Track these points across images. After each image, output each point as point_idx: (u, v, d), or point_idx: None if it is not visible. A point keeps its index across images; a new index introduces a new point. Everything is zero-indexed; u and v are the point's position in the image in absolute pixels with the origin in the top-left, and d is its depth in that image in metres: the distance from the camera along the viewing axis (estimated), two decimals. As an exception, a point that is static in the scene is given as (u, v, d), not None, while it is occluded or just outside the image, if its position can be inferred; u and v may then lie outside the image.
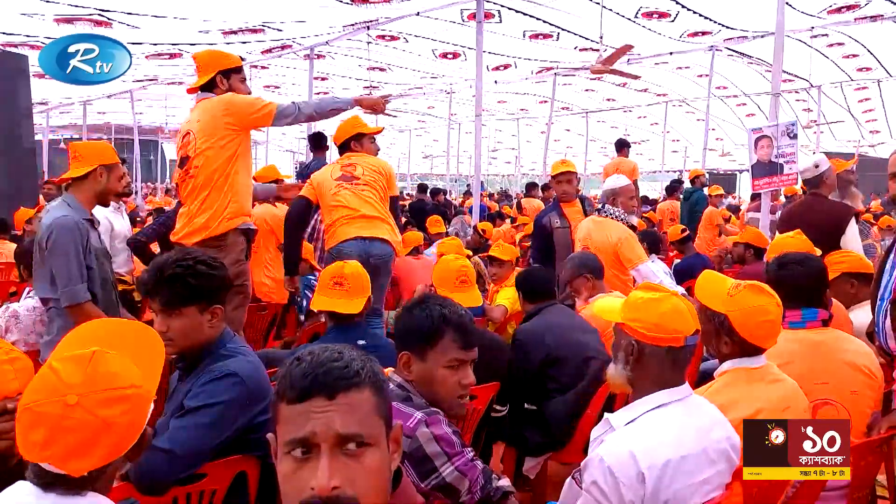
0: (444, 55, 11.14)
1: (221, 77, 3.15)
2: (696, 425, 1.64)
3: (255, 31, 8.97)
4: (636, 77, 9.73)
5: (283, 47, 10.21)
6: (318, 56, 10.41)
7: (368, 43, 9.67)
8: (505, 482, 1.69)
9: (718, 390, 1.90)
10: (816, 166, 4.05)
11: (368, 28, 8.74)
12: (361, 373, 0.96)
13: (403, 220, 9.94)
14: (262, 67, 11.44)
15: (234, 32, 8.98)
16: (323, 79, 12.41)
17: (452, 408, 1.66)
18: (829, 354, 2.17)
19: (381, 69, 11.80)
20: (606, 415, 1.74)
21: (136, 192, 13.82)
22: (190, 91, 3.42)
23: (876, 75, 12.04)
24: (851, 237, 3.73)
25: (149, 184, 19.26)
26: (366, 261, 3.39)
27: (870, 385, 2.16)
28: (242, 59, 3.43)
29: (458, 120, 17.48)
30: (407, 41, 10.16)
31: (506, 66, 11.95)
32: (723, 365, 1.96)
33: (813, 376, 2.09)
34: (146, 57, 10.18)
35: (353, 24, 8.80)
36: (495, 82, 12.92)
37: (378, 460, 0.95)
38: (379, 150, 4.02)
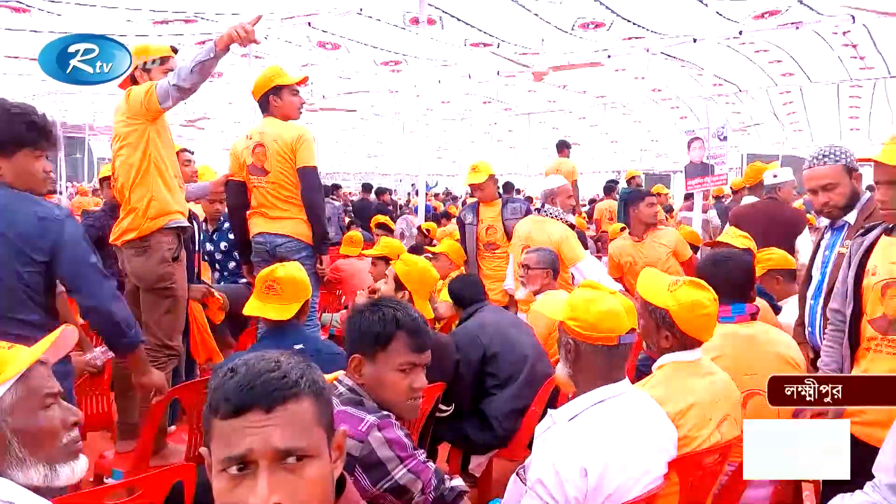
0: (386, 63, 11.07)
1: (141, 72, 3.02)
2: (635, 419, 1.69)
3: (187, 21, 8.64)
4: (599, 64, 9.73)
5: (215, 41, 9.91)
6: (257, 57, 10.15)
7: (310, 50, 9.49)
8: (458, 482, 1.70)
9: (656, 384, 1.95)
10: (775, 176, 4.38)
11: (310, 24, 8.58)
12: (300, 382, 0.92)
13: (347, 219, 9.89)
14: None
15: (165, 23, 8.64)
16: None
17: (404, 411, 1.65)
18: (758, 347, 2.28)
19: (318, 64, 11.55)
20: (550, 411, 1.76)
21: (62, 192, 13.13)
22: (121, 87, 3.28)
23: (798, 80, 12.70)
24: (805, 243, 4.00)
25: (74, 183, 18.31)
26: (272, 251, 3.43)
27: (794, 375, 2.28)
28: (175, 50, 3.22)
29: (402, 119, 17.42)
30: (349, 51, 10.04)
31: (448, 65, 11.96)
32: (660, 359, 2.02)
33: (743, 368, 2.18)
34: None
35: (291, 17, 8.62)
36: (439, 81, 12.94)
37: (319, 471, 0.92)
38: (303, 102, 3.70)
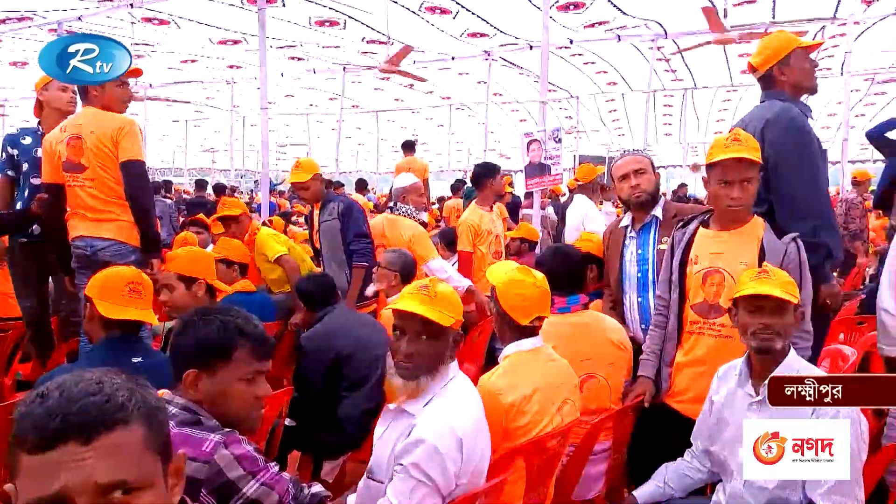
0: (224, 42, 10.42)
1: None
2: (473, 391, 1.83)
3: None
4: (423, 80, 10.08)
5: (20, 19, 8.69)
6: (69, 33, 9.07)
7: (132, 23, 8.67)
8: (318, 488, 1.64)
9: (503, 373, 2.04)
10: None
11: (132, 6, 7.83)
12: (128, 405, 0.80)
13: (182, 219, 9.17)
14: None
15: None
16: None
17: (248, 423, 1.55)
18: (591, 334, 2.45)
19: (144, 55, 10.58)
20: (398, 405, 1.74)
21: None
22: None
23: (620, 89, 14.05)
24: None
25: None
26: (94, 256, 3.08)
27: (622, 357, 2.49)
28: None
29: (241, 112, 16.55)
30: (179, 27, 9.29)
31: (297, 59, 11.53)
32: (505, 349, 2.12)
33: (579, 354, 2.34)
34: None
35: (110, 0, 7.82)
36: (281, 75, 12.45)
37: (152, 503, 0.81)
38: (131, 96, 3.36)
